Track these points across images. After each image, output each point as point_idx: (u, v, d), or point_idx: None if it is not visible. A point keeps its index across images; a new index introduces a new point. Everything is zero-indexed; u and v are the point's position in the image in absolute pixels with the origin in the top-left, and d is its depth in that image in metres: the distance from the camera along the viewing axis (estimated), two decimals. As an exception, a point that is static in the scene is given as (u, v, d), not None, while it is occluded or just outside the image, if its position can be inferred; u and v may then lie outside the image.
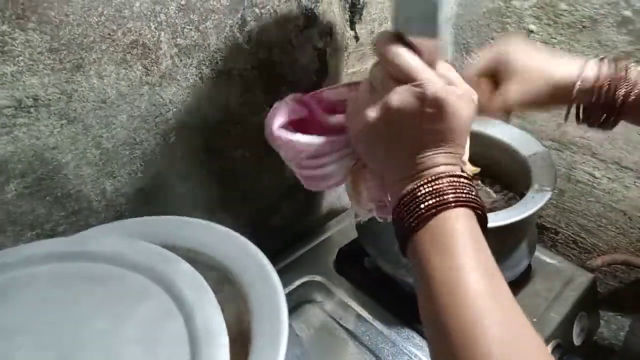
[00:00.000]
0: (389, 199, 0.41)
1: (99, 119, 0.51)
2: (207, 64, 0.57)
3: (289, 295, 0.73)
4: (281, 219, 0.81)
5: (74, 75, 0.47)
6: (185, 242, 0.43)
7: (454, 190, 0.36)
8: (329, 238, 0.84)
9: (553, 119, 0.84)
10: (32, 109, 0.46)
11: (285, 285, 0.72)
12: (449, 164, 0.37)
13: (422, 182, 0.36)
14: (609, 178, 0.83)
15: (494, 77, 0.54)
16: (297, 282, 0.75)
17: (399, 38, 0.37)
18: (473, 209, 0.37)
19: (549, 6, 0.76)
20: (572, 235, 0.95)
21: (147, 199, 0.60)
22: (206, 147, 0.63)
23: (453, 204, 0.35)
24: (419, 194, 0.36)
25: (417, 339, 0.67)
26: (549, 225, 0.97)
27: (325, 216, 0.91)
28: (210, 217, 0.69)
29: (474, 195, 0.37)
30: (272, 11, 0.60)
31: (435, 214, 0.35)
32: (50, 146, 0.49)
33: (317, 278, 0.76)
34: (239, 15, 0.58)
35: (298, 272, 0.76)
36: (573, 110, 0.54)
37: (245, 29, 0.59)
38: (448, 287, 0.33)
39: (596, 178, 0.85)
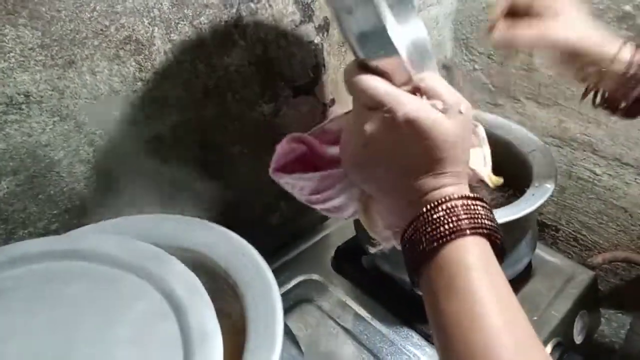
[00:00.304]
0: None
1: (91, 115, 0.50)
2: (201, 59, 0.57)
3: (286, 294, 0.72)
4: (279, 217, 0.81)
5: (66, 71, 0.47)
6: (180, 241, 0.42)
7: (467, 215, 0.33)
8: (326, 236, 0.83)
9: (553, 116, 0.84)
10: (23, 106, 0.45)
11: (282, 284, 0.73)
12: (454, 184, 0.35)
13: (430, 207, 0.34)
14: (609, 175, 0.83)
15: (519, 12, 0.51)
16: (295, 281, 0.74)
17: (363, 66, 0.36)
18: (488, 236, 0.34)
19: (549, 1, 0.75)
20: (572, 232, 0.94)
21: (142, 197, 0.59)
22: (203, 143, 0.62)
23: (468, 231, 0.33)
24: (429, 219, 0.34)
25: (416, 337, 0.66)
26: (549, 223, 0.97)
27: (323, 215, 0.90)
28: (207, 215, 0.68)
29: (490, 221, 0.34)
30: (267, 6, 0.60)
31: (447, 242, 0.33)
32: (43, 143, 0.48)
33: (315, 277, 0.75)
34: (234, 10, 0.57)
35: (296, 270, 0.76)
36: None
37: (240, 24, 0.58)
38: (462, 328, 0.31)
39: (597, 175, 0.84)
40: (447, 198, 0.34)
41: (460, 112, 0.35)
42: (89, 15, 0.46)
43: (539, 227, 0.99)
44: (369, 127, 0.36)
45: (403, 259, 0.37)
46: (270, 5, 0.60)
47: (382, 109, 0.34)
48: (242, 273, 0.38)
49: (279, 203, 0.79)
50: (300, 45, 0.67)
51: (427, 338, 0.66)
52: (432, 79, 0.36)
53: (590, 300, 0.76)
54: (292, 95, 0.70)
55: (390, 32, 0.33)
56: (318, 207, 0.45)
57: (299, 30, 0.65)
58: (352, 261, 0.76)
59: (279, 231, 0.82)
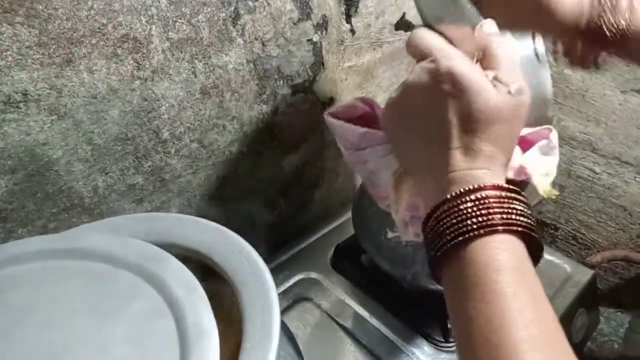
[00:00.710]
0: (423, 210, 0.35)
1: (89, 114, 0.50)
2: (200, 58, 0.57)
3: (285, 293, 0.72)
4: (278, 214, 0.81)
5: (63, 70, 0.47)
6: (176, 239, 0.42)
7: (501, 210, 0.30)
8: (326, 234, 0.83)
9: (552, 114, 0.84)
10: (21, 104, 0.45)
11: (281, 282, 0.73)
12: (486, 169, 0.31)
13: (457, 193, 0.30)
14: (609, 173, 0.83)
15: None
16: (294, 279, 0.74)
17: (429, 28, 0.34)
18: (522, 235, 0.30)
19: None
20: (572, 231, 0.94)
21: (140, 196, 0.59)
22: (201, 142, 0.62)
23: (500, 228, 0.29)
24: (456, 208, 0.30)
25: (415, 336, 0.66)
26: (548, 221, 0.97)
27: (322, 212, 0.90)
28: (205, 213, 0.68)
29: (526, 217, 0.30)
30: (265, 4, 0.60)
31: (475, 237, 0.30)
32: (41, 142, 0.48)
33: (314, 275, 0.75)
34: (232, 8, 0.57)
35: (294, 269, 0.76)
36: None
37: (239, 22, 0.58)
38: (484, 334, 0.28)
39: (596, 173, 0.84)
40: (478, 186, 0.30)
41: (510, 93, 0.32)
42: (86, 14, 0.46)
43: (538, 225, 0.99)
44: (410, 77, 0.33)
45: (424, 253, 0.34)
46: (268, 3, 0.60)
47: (429, 59, 0.32)
48: (239, 271, 0.38)
49: (278, 201, 0.79)
50: (298, 44, 0.66)
51: (425, 336, 0.66)
52: (498, 46, 0.34)
53: (589, 299, 0.76)
54: (291, 93, 0.70)
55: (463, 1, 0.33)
56: (356, 169, 0.45)
57: (297, 28, 0.65)
58: (351, 259, 0.76)
59: (278, 229, 0.82)
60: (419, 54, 0.33)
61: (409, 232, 0.42)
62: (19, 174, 0.48)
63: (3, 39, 0.42)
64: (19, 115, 0.46)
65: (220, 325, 0.39)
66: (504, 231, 0.30)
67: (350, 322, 0.69)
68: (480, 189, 0.30)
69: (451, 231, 0.30)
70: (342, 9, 0.71)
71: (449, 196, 0.31)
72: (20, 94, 0.45)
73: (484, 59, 0.35)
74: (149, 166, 0.58)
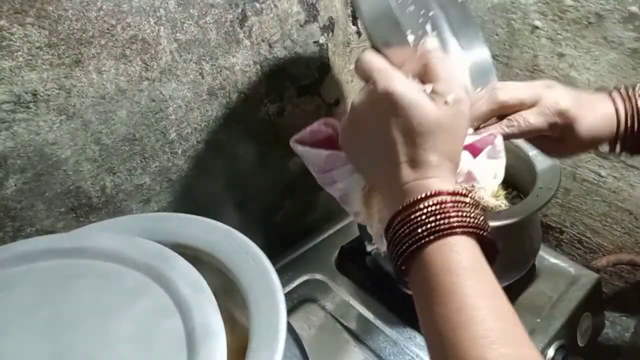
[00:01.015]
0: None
1: (98, 114, 0.51)
2: (207, 59, 0.57)
3: (290, 294, 0.72)
4: (283, 216, 0.81)
5: (72, 70, 0.47)
6: (183, 239, 0.43)
7: (449, 214, 0.32)
8: (331, 236, 0.83)
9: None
10: (31, 104, 0.46)
11: (286, 283, 0.73)
12: (435, 177, 0.34)
13: (411, 202, 0.33)
14: (614, 177, 0.82)
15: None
16: (299, 281, 0.74)
17: (376, 51, 0.37)
18: (474, 235, 0.32)
19: (555, 2, 0.75)
20: (577, 234, 0.94)
21: (147, 196, 0.60)
22: (207, 143, 0.63)
23: (450, 231, 0.31)
24: (410, 215, 0.32)
25: (419, 338, 0.66)
26: (554, 225, 0.96)
27: (327, 214, 0.90)
28: (211, 214, 0.69)
29: (475, 218, 0.32)
30: (272, 6, 0.60)
31: (430, 242, 0.32)
32: (50, 142, 0.49)
33: (319, 276, 0.75)
34: (239, 10, 0.57)
35: (299, 270, 0.76)
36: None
37: (246, 24, 0.59)
38: (448, 334, 0.30)
39: (602, 177, 0.84)
40: (430, 193, 0.32)
41: (446, 103, 0.34)
42: (95, 15, 0.46)
43: (543, 229, 0.98)
44: (355, 100, 0.36)
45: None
46: (275, 5, 0.60)
47: (370, 82, 0.35)
48: (246, 272, 0.38)
49: (283, 202, 0.79)
50: (305, 45, 0.67)
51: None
52: (438, 61, 0.36)
53: (594, 303, 0.76)
54: (297, 95, 0.70)
55: (398, 17, 0.35)
56: (328, 190, 0.46)
57: (304, 30, 0.65)
58: (356, 261, 0.77)
59: (283, 230, 0.83)
60: (363, 76, 0.36)
61: (385, 244, 0.43)
62: (28, 173, 0.48)
63: (14, 39, 0.43)
64: (29, 115, 0.46)
65: (226, 325, 0.40)
66: (454, 234, 0.32)
67: (354, 323, 0.69)
68: (428, 197, 0.32)
69: (407, 240, 0.32)
70: (349, 11, 0.71)
71: (401, 207, 0.33)
72: (30, 94, 0.45)
73: (425, 74, 0.36)
74: (156, 166, 0.59)
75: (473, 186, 0.42)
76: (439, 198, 0.32)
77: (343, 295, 0.72)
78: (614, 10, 0.69)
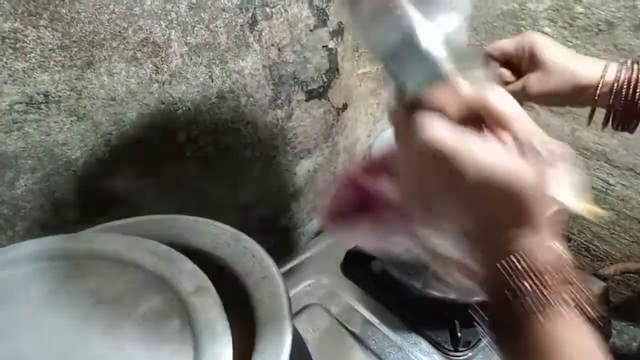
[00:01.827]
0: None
1: (108, 116, 0.51)
2: (217, 62, 0.57)
3: (295, 297, 0.72)
4: (289, 219, 0.81)
5: (84, 72, 0.48)
6: (190, 241, 0.43)
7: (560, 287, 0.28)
8: (336, 240, 0.83)
9: (567, 124, 0.83)
10: (42, 105, 0.46)
11: (292, 286, 0.73)
12: (537, 242, 0.29)
13: (513, 266, 0.28)
14: (623, 185, 0.82)
15: (515, 66, 0.53)
16: (304, 284, 0.75)
17: (412, 104, 0.30)
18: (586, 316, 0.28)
19: (565, 9, 0.75)
20: (584, 242, 0.93)
21: (155, 198, 0.60)
22: (216, 146, 0.63)
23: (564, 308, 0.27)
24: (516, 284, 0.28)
25: (424, 344, 0.66)
26: (561, 232, 0.96)
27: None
28: (218, 216, 0.69)
29: (589, 298, 0.29)
30: (282, 10, 0.60)
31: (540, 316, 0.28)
32: (60, 142, 0.49)
33: (324, 280, 0.75)
34: (249, 14, 0.57)
35: (305, 273, 0.76)
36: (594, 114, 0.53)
37: (256, 28, 0.59)
38: None
39: (610, 185, 0.84)
40: (533, 266, 0.28)
41: (538, 152, 0.29)
42: (107, 17, 0.47)
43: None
44: (435, 181, 0.30)
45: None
46: (285, 10, 0.61)
47: (448, 163, 0.28)
48: (252, 274, 0.39)
49: (290, 205, 0.80)
50: (314, 50, 0.67)
51: (435, 345, 0.66)
52: (492, 98, 0.29)
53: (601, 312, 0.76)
54: (305, 99, 0.70)
55: (431, 51, 0.27)
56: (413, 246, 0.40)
57: (313, 35, 0.66)
58: (361, 265, 0.77)
59: (289, 233, 0.83)
60: (430, 154, 0.29)
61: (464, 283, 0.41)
62: (38, 173, 0.49)
63: (27, 41, 0.43)
64: (40, 116, 0.47)
65: (232, 327, 0.40)
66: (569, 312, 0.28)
67: (359, 327, 0.69)
68: (535, 268, 0.29)
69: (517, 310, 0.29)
70: (358, 16, 0.71)
71: (506, 277, 0.29)
72: (42, 95, 0.46)
73: (476, 118, 0.30)
74: (165, 168, 0.59)
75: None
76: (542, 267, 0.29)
77: (348, 300, 0.72)
78: (624, 17, 0.69)
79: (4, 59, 0.42)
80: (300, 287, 0.74)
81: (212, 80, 0.58)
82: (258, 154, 0.69)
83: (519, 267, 0.29)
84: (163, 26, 0.51)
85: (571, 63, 0.51)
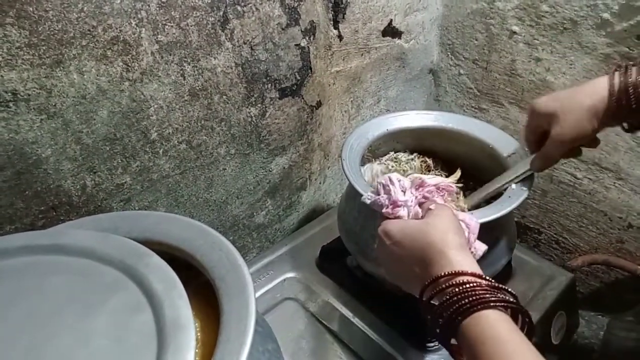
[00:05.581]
0: None
1: (79, 114, 0.52)
2: (188, 61, 0.58)
3: (270, 292, 0.73)
4: (265, 215, 0.82)
5: (53, 70, 0.48)
6: (158, 236, 0.44)
7: (487, 291, 0.40)
8: (312, 236, 0.84)
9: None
10: (10, 104, 0.47)
11: (267, 282, 0.74)
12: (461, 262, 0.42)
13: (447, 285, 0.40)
14: (589, 179, 0.84)
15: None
16: (279, 279, 0.75)
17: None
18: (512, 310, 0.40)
19: (531, 7, 0.77)
20: (554, 235, 0.96)
21: (128, 195, 0.60)
22: (189, 143, 0.64)
23: (492, 304, 0.38)
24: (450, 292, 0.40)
25: (397, 337, 0.67)
26: (532, 226, 0.98)
27: (309, 214, 0.91)
28: (192, 213, 0.70)
29: (513, 297, 0.40)
30: (254, 9, 0.61)
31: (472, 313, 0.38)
32: (30, 140, 0.49)
33: (300, 275, 0.76)
34: (220, 13, 0.58)
35: (281, 269, 0.77)
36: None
37: (228, 27, 0.60)
38: None
39: (577, 179, 0.86)
40: (460, 281, 0.40)
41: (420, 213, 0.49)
42: (76, 16, 0.47)
43: (522, 229, 1.00)
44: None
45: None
46: (257, 9, 0.61)
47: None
48: (219, 268, 0.39)
49: (266, 202, 0.80)
50: (286, 48, 0.68)
51: (408, 338, 0.67)
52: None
53: (569, 302, 0.78)
54: (279, 97, 0.71)
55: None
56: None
57: (285, 33, 0.67)
58: (336, 261, 0.78)
59: (265, 229, 0.84)
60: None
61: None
62: (8, 171, 0.49)
63: (-7, 39, 0.43)
64: (8, 115, 0.47)
65: (199, 320, 0.41)
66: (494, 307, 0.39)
67: (334, 322, 0.70)
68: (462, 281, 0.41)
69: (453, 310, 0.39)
70: (330, 15, 0.72)
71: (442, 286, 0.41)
72: (9, 94, 0.46)
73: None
74: (137, 166, 0.59)
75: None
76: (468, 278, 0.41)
77: (323, 294, 0.73)
78: (587, 16, 0.71)
79: (-30, 58, 0.42)
80: (276, 282, 0.75)
81: (184, 78, 0.59)
82: (232, 151, 0.70)
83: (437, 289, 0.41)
84: (133, 24, 0.52)
85: (573, 96, 0.53)
